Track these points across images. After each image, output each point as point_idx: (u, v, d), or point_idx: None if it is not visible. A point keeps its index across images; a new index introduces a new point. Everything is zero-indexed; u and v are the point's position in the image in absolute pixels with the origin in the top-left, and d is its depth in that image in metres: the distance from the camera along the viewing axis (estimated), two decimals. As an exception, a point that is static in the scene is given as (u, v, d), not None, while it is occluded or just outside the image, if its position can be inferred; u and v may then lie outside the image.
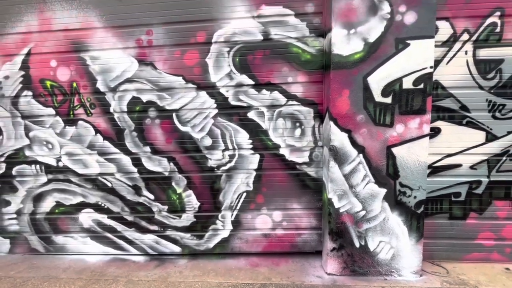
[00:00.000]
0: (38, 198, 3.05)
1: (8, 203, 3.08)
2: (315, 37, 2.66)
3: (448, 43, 2.56)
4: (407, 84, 2.38)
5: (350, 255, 2.58)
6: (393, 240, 2.54)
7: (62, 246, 3.08)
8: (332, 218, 2.55)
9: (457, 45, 2.56)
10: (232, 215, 2.91)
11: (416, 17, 2.31)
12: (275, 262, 2.83)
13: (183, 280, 2.56)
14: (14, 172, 3.01)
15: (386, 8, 2.32)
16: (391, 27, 2.33)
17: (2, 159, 3.01)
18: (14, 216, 3.09)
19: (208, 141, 2.83)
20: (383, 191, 2.49)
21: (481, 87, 2.60)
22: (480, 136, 2.65)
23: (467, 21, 2.53)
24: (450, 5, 2.52)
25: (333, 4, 2.33)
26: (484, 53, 2.55)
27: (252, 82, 2.71)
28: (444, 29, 2.55)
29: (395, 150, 2.45)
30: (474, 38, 2.54)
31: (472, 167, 2.69)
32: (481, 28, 2.52)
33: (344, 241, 2.57)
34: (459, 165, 2.69)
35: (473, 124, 2.64)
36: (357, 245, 2.56)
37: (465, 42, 2.55)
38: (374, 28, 2.34)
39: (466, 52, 2.56)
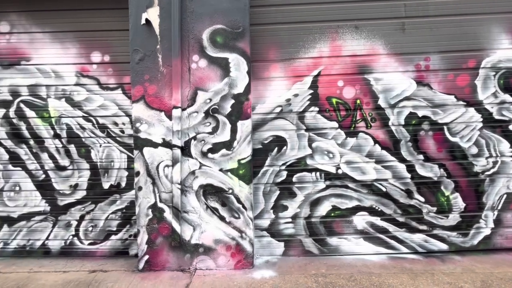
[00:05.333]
0: (315, 203, 3.33)
1: (285, 208, 3.33)
2: None
3: None
4: None
5: None
6: None
7: (335, 248, 3.32)
8: None
9: None
10: (493, 214, 3.29)
11: None
12: (537, 255, 3.21)
13: (491, 271, 2.86)
14: (294, 179, 3.32)
15: None
16: None
17: (283, 167, 3.32)
18: (290, 220, 3.34)
19: (474, 150, 3.28)
20: None
21: None
22: None
23: None
24: None
25: None
26: None
27: (513, 100, 3.28)
28: None
29: None
30: None
31: None
32: None
33: None
34: None
35: None
36: None
37: None
38: None
39: None
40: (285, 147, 3.32)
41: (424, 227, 3.33)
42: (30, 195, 3.39)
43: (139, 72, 2.99)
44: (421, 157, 3.31)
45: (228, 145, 3.02)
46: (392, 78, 3.28)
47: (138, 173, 3.03)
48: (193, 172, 3.03)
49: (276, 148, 3.31)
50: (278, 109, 3.31)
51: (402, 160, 3.30)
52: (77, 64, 3.28)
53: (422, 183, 3.31)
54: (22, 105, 3.34)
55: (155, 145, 3.03)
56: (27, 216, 3.41)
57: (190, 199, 3.05)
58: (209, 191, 3.03)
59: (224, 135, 3.02)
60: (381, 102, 3.29)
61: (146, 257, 3.06)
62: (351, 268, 3.02)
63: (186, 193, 3.04)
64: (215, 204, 3.05)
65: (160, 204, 3.05)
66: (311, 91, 3.30)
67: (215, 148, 3.02)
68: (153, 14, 2.94)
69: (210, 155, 3.03)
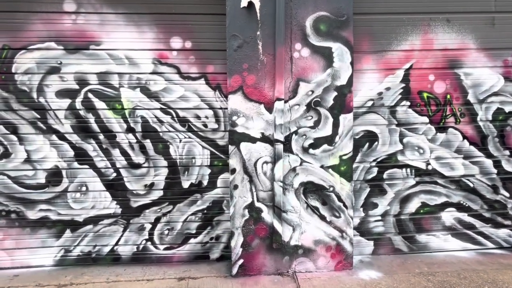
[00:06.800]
0: (405, 200, 3.23)
1: (375, 206, 3.21)
2: None
3: None
4: None
5: None
6: None
7: (424, 245, 3.25)
8: None
9: None
10: None
11: None
12: None
13: None
14: (385, 175, 3.20)
15: None
16: None
17: (374, 163, 3.19)
18: (380, 218, 3.22)
19: (555, 146, 3.35)
20: None
21: None
22: None
23: None
24: None
25: None
26: None
27: None
28: None
29: None
30: None
31: None
32: None
33: None
34: None
35: None
36: None
37: None
38: None
39: None
40: (376, 143, 3.21)
41: (508, 222, 3.36)
42: (99, 196, 3.02)
43: (237, 60, 2.73)
44: (507, 152, 3.32)
45: (329, 140, 2.85)
46: (481, 73, 3.25)
47: (234, 171, 2.79)
48: (293, 169, 2.82)
49: (367, 144, 3.22)
50: (369, 103, 3.17)
51: (489, 155, 3.29)
52: (154, 50, 2.94)
53: (507, 179, 3.33)
54: (90, 95, 2.95)
55: (253, 140, 2.79)
56: (95, 220, 3.04)
57: (289, 198, 2.84)
58: (309, 189, 2.84)
59: (326, 130, 2.84)
60: (470, 97, 3.26)
61: (241, 261, 2.82)
62: (451, 266, 2.98)
63: (286, 191, 2.83)
64: (315, 203, 2.87)
65: (257, 204, 2.82)
66: (403, 85, 3.19)
67: (316, 144, 2.84)
68: (253, -3, 2.72)
69: (311, 150, 2.84)
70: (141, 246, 3.10)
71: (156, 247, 3.12)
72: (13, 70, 2.87)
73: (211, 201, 3.12)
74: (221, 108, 3.06)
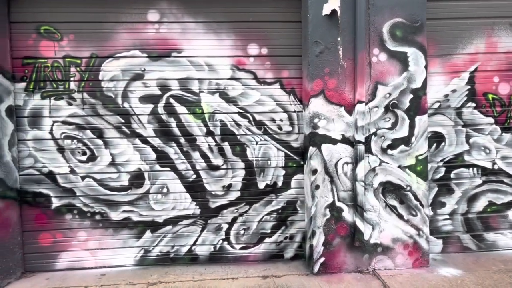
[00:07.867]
0: (472, 199, 3.31)
1: (443, 205, 3.28)
2: None
3: None
4: None
5: None
6: None
7: (492, 243, 3.32)
8: None
9: None
10: None
11: None
12: None
13: None
14: (452, 175, 3.28)
15: None
16: None
17: (441, 163, 3.27)
18: (448, 217, 3.29)
19: None
20: None
21: None
22: None
23: None
24: None
25: None
26: None
27: None
28: None
29: None
30: None
31: None
32: None
33: None
34: None
35: None
36: None
37: None
38: None
39: None
40: (443, 143, 3.30)
41: None
42: (179, 198, 3.13)
43: (318, 65, 2.86)
44: None
45: (406, 141, 2.94)
46: (539, 74, 3.41)
47: (315, 171, 2.89)
48: (373, 169, 2.91)
49: (435, 144, 3.31)
50: (436, 105, 3.27)
51: (550, 155, 3.44)
52: (232, 56, 3.08)
53: None
54: (172, 100, 3.08)
55: (333, 141, 2.90)
56: (174, 220, 3.15)
57: (369, 197, 2.93)
58: (388, 188, 2.93)
59: (402, 131, 2.94)
60: (528, 98, 3.42)
61: (322, 259, 2.91)
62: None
63: (365, 191, 2.92)
64: (393, 202, 2.95)
65: (338, 203, 2.92)
66: (468, 87, 3.30)
67: (393, 144, 2.93)
68: (334, 6, 2.84)
69: (389, 151, 2.93)
70: (218, 246, 3.19)
71: (232, 247, 3.22)
72: (100, 77, 3.04)
73: (285, 201, 3.21)
74: (295, 112, 3.19)
